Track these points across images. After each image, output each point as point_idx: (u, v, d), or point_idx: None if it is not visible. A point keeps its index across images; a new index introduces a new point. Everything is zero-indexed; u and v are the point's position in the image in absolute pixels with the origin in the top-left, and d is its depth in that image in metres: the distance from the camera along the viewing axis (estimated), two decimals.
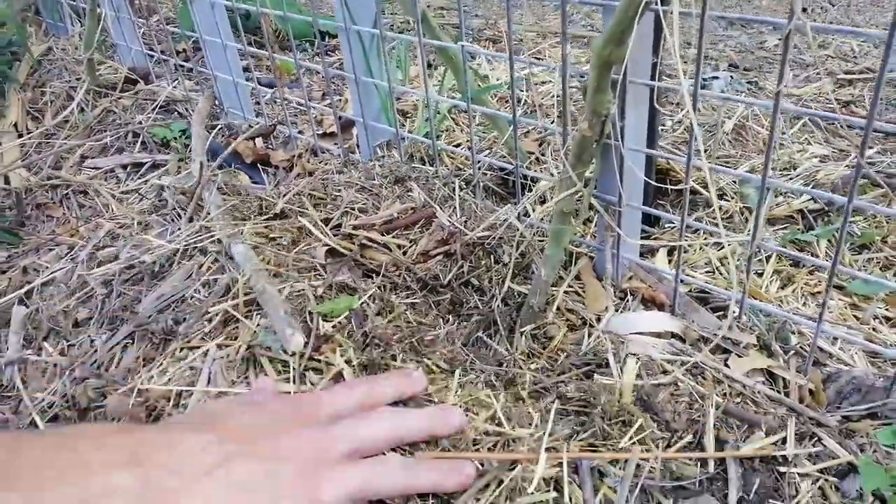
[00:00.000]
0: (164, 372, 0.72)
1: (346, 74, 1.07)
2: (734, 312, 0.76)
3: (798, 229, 0.92)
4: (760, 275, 0.85)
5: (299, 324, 0.76)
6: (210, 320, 0.80)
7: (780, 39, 1.76)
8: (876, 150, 1.11)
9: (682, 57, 1.47)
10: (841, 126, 1.16)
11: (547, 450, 0.60)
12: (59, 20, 1.85)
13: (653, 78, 0.75)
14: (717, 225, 0.68)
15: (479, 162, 1.00)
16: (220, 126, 1.39)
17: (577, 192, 0.77)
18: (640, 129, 0.78)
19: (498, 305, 0.83)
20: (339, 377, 0.71)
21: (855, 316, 0.79)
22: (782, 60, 0.62)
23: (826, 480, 0.61)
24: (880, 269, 0.87)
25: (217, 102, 1.44)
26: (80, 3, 1.69)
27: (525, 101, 1.27)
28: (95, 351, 0.80)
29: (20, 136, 1.46)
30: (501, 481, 0.60)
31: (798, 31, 0.61)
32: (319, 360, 0.73)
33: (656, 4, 0.64)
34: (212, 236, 0.93)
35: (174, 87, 1.53)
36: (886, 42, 0.56)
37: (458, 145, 1.21)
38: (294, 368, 0.71)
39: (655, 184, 0.89)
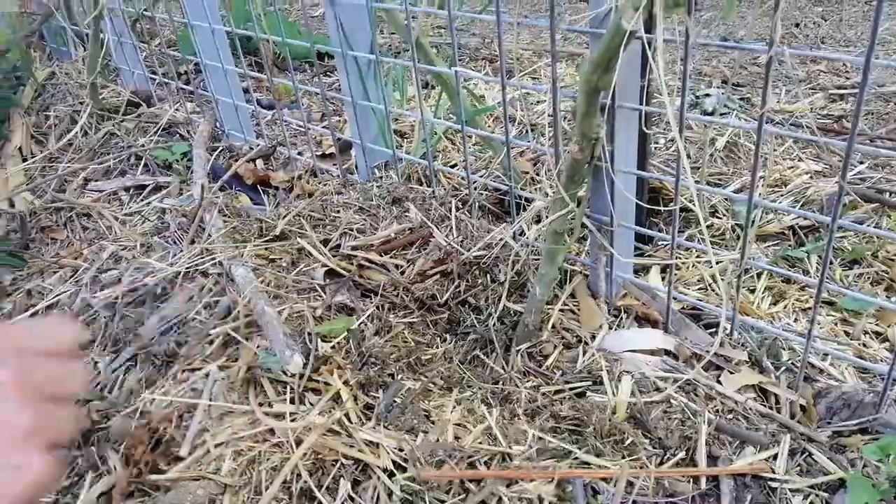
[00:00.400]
0: (166, 394, 0.73)
1: (343, 98, 1.09)
2: (725, 329, 0.77)
3: (789, 245, 0.93)
4: (753, 291, 0.87)
5: (299, 345, 0.77)
6: (211, 342, 0.81)
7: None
8: (867, 166, 1.13)
9: (675, 74, 1.49)
10: (820, 146, 1.17)
11: (541, 468, 0.61)
12: (63, 45, 1.88)
13: (642, 101, 0.77)
14: (705, 242, 0.69)
15: (474, 182, 1.02)
16: (221, 148, 1.41)
17: (569, 212, 0.79)
18: (631, 150, 0.79)
19: (494, 324, 0.85)
20: (337, 397, 0.72)
21: (846, 331, 0.80)
22: (765, 85, 0.64)
23: (817, 496, 0.62)
24: (871, 284, 0.88)
25: (218, 124, 1.46)
26: (83, 28, 1.72)
27: (520, 120, 1.29)
28: (99, 373, 0.82)
29: (24, 159, 1.48)
30: (500, 499, 0.62)
31: (778, 56, 0.63)
32: (318, 381, 0.74)
33: (641, 33, 0.66)
34: (213, 259, 0.95)
35: (176, 109, 1.55)
36: (864, 66, 0.58)
37: (454, 165, 1.23)
38: (293, 389, 0.72)
39: (647, 206, 0.91)
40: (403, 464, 0.64)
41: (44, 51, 1.94)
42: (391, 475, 0.64)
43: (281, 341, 0.75)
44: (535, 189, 1.05)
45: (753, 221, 0.95)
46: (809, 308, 0.83)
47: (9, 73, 1.67)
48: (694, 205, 0.91)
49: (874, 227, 0.97)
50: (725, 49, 1.82)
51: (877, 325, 0.80)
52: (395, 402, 0.71)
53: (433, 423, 0.70)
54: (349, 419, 0.69)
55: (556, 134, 0.83)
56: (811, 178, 1.09)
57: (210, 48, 1.32)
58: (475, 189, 1.02)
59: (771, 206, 0.76)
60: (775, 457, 0.65)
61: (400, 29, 0.96)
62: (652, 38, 0.64)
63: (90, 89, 1.55)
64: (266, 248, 0.99)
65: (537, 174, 1.10)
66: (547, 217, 0.83)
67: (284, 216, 1.04)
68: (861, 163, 1.16)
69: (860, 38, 1.86)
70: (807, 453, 0.65)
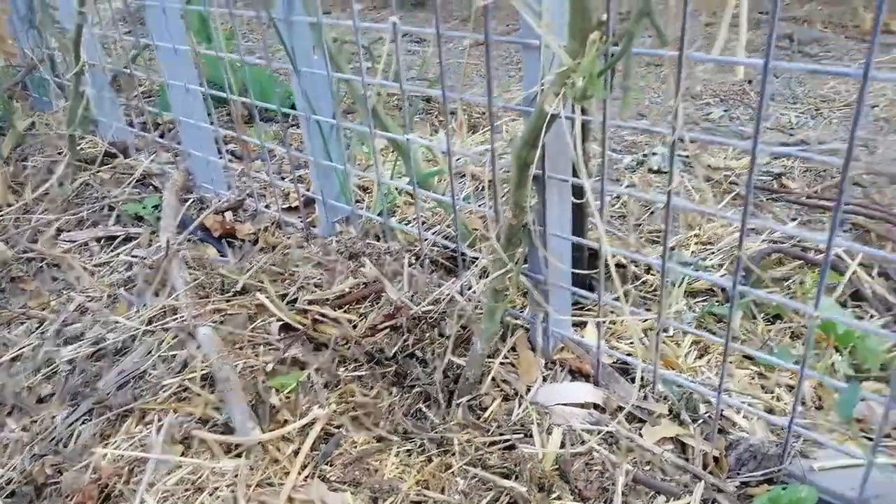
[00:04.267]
0: (118, 448, 0.77)
1: (307, 158, 1.16)
2: (647, 384, 0.82)
3: (717, 301, 1.00)
4: (680, 345, 0.92)
5: (252, 398, 0.81)
6: (166, 394, 0.85)
7: (724, 112, 1.88)
8: (797, 223, 1.20)
9: (622, 141, 1.57)
10: (757, 204, 1.25)
11: None
12: (45, 95, 1.95)
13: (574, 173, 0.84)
14: (625, 305, 0.75)
15: (426, 239, 1.08)
16: (192, 199, 1.46)
17: (507, 271, 0.85)
18: (564, 217, 0.86)
19: (439, 377, 0.90)
20: (282, 452, 0.77)
21: (762, 385, 0.86)
22: (670, 165, 0.70)
23: None
24: (790, 338, 0.95)
25: (190, 176, 1.52)
26: (65, 80, 1.78)
27: (474, 176, 1.35)
28: (56, 427, 0.85)
29: (0, 209, 1.52)
30: None
31: (680, 140, 0.70)
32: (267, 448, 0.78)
33: (561, 116, 0.73)
34: (175, 314, 0.99)
35: (151, 160, 1.61)
36: (752, 150, 0.65)
37: (410, 221, 1.29)
38: (240, 446, 0.76)
39: (581, 271, 0.97)
40: None
41: (26, 100, 2.00)
42: None
43: (243, 411, 0.79)
44: (483, 246, 1.11)
45: (684, 279, 1.01)
46: (730, 362, 0.89)
47: None
48: (633, 260, 0.97)
49: (798, 283, 1.03)
50: (682, 102, 1.91)
51: (790, 378, 0.86)
52: (336, 452, 0.76)
53: (373, 473, 0.74)
54: (288, 473, 0.73)
55: (496, 199, 0.90)
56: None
57: (184, 104, 1.39)
58: (427, 243, 1.08)
59: (680, 270, 0.82)
60: None
61: (358, 98, 1.02)
62: (571, 117, 0.71)
63: (68, 141, 1.61)
64: (227, 302, 1.04)
65: (486, 231, 1.16)
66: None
67: (246, 271, 1.09)
68: (794, 219, 1.23)
69: (807, 94, 1.97)
70: (716, 503, 0.70)
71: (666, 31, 0.64)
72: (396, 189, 1.32)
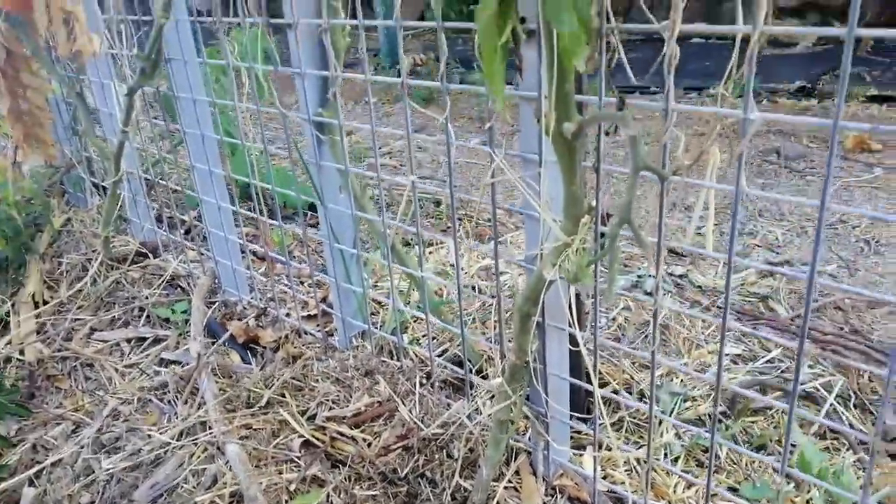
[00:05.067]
0: None
1: (328, 279, 1.27)
2: None
3: (706, 431, 1.08)
4: (669, 475, 1.00)
5: None
6: None
7: (714, 225, 2.01)
8: (780, 351, 1.30)
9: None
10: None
11: None
12: (80, 192, 2.08)
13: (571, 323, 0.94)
14: (614, 442, 0.84)
15: (436, 363, 1.17)
16: (217, 302, 1.57)
17: (512, 402, 0.94)
18: (563, 359, 0.96)
19: (447, 500, 0.97)
20: None
21: None
22: (653, 331, 0.81)
23: None
24: (773, 469, 1.02)
25: (216, 279, 1.63)
26: (101, 182, 1.92)
27: (482, 290, 1.46)
28: None
29: (37, 304, 1.63)
30: None
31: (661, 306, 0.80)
32: None
33: (557, 281, 0.84)
34: (205, 428, 1.08)
35: (180, 261, 1.73)
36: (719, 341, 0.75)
37: (420, 338, 1.38)
38: None
39: (579, 406, 1.06)
40: None
41: (62, 196, 2.14)
42: None
43: None
44: (489, 372, 1.21)
45: (673, 409, 1.10)
46: (715, 494, 0.97)
47: (29, 222, 1.85)
48: (627, 388, 1.06)
49: (781, 413, 1.12)
50: (678, 214, 2.04)
51: None
52: None
53: None
54: None
55: (501, 337, 1.00)
56: (732, 362, 1.25)
57: (215, 218, 1.51)
58: (438, 366, 1.18)
59: (662, 417, 0.92)
60: None
61: (378, 234, 1.14)
62: (560, 278, 0.81)
63: (103, 242, 1.73)
64: (253, 416, 1.12)
65: (491, 356, 1.26)
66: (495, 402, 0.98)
67: (270, 386, 1.18)
68: (777, 347, 1.33)
69: (792, 211, 2.10)
70: None
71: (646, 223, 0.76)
72: (404, 313, 1.43)
